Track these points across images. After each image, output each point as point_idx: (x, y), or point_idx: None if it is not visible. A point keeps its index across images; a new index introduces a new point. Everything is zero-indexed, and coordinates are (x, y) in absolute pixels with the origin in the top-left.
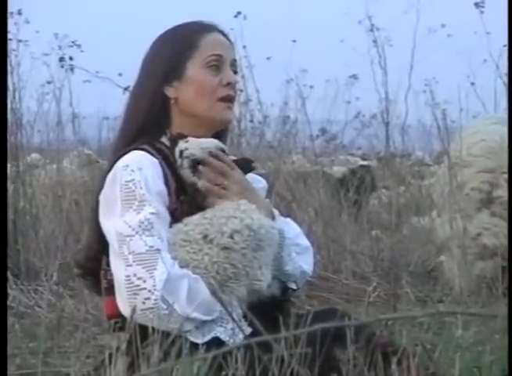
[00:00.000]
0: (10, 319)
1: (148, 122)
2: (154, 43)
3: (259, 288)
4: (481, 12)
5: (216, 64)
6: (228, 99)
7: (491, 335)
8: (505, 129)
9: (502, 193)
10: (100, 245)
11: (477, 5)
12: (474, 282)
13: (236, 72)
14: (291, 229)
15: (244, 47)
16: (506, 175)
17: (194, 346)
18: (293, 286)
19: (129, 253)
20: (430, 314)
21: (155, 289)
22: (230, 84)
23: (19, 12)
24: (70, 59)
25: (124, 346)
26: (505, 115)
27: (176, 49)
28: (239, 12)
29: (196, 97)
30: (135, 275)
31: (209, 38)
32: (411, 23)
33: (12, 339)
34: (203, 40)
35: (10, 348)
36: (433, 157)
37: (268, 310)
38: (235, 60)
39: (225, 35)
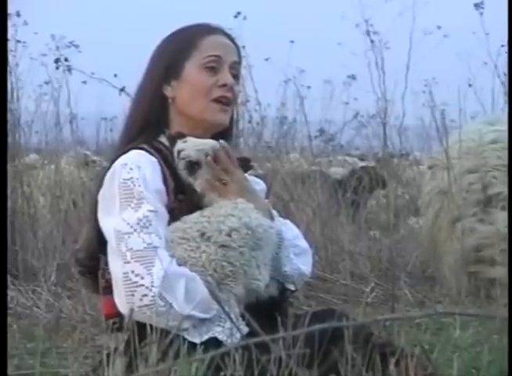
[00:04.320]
0: (8, 320)
1: (147, 122)
2: (159, 44)
3: (257, 287)
4: (481, 13)
5: (213, 65)
6: (224, 101)
7: (489, 336)
8: (488, 128)
9: (499, 189)
10: (100, 243)
11: (476, 6)
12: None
13: (236, 75)
14: (290, 230)
15: (244, 47)
16: (493, 173)
17: (192, 346)
18: (292, 287)
19: (127, 250)
20: (429, 315)
21: (153, 286)
22: (226, 86)
23: (18, 14)
24: (66, 60)
25: (122, 346)
26: (497, 116)
27: (176, 49)
28: (239, 13)
29: (190, 97)
30: (132, 272)
31: (210, 40)
32: (408, 24)
33: (10, 340)
34: (203, 41)
35: (8, 348)
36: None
37: (266, 311)
38: (236, 63)
39: (230, 38)
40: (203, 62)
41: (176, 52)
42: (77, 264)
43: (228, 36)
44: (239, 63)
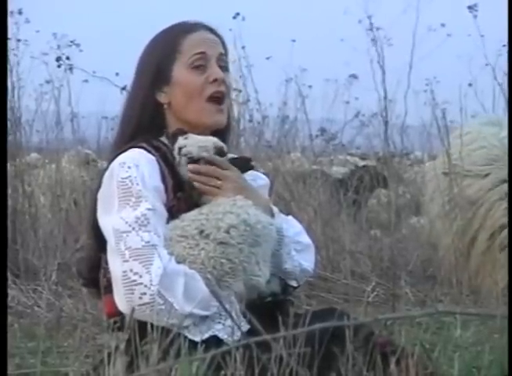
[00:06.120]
0: (9, 319)
1: (143, 124)
2: (144, 49)
3: (257, 283)
4: (475, 16)
5: (201, 63)
6: (218, 97)
7: (490, 335)
8: (502, 132)
9: None
10: (100, 244)
11: (470, 8)
12: None
13: (224, 67)
14: (291, 226)
15: (243, 48)
16: None
17: (193, 345)
18: (294, 283)
19: (126, 249)
20: (429, 314)
21: (151, 284)
22: (217, 81)
23: (20, 12)
24: (67, 58)
25: (123, 345)
26: (498, 116)
27: (161, 54)
28: (237, 13)
29: (184, 100)
30: (131, 270)
31: (191, 38)
32: (411, 22)
33: (11, 339)
34: (185, 41)
35: (9, 347)
36: (432, 157)
37: (267, 309)
38: (222, 54)
39: (212, 31)
40: (190, 61)
41: (161, 57)
42: (79, 276)
43: (210, 29)
44: (225, 54)
